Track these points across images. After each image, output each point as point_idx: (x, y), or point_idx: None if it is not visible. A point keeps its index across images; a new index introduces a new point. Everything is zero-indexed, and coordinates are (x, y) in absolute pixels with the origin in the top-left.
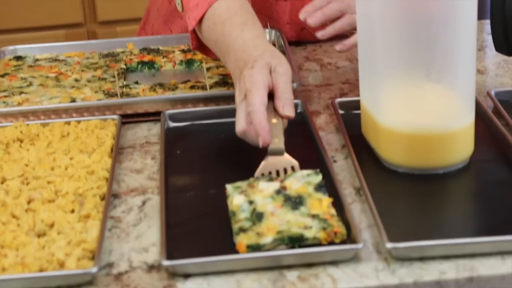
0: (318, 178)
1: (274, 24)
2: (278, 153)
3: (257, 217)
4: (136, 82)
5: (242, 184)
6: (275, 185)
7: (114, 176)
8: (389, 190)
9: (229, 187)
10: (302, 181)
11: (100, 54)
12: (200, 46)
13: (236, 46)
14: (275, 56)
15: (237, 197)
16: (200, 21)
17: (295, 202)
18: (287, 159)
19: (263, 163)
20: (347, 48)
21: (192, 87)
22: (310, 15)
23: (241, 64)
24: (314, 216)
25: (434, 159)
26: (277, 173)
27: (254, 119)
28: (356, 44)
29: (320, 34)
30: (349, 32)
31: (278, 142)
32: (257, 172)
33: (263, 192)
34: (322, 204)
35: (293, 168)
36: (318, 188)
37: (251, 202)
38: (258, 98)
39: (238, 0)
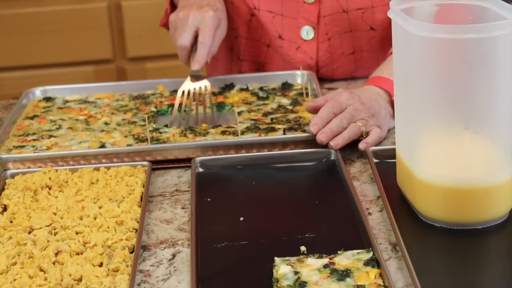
0: (368, 255)
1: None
2: (198, 76)
3: (300, 285)
4: (166, 126)
5: (291, 258)
6: (324, 260)
7: (144, 227)
8: (426, 246)
9: (277, 260)
10: (352, 258)
11: (130, 96)
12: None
13: None
14: (225, 18)
15: (283, 267)
16: None
17: (341, 274)
18: (203, 80)
19: (184, 83)
20: (370, 146)
21: (223, 133)
22: (320, 132)
23: (204, 2)
24: (359, 287)
25: (472, 214)
26: (194, 90)
27: (200, 50)
28: (377, 142)
29: (333, 145)
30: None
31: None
32: (179, 89)
33: (310, 266)
34: (370, 275)
35: (205, 87)
36: (368, 262)
37: (296, 273)
38: (210, 36)
39: None
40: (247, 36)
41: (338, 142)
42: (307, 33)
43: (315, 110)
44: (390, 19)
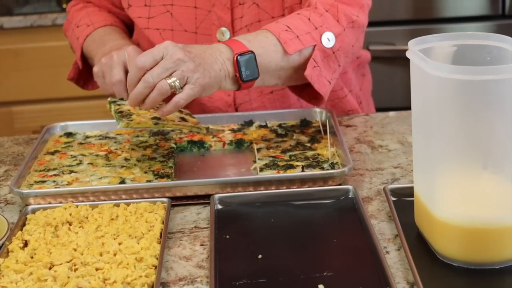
0: None
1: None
2: None
3: None
4: (122, 99)
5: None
6: None
7: (163, 264)
8: (444, 285)
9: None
10: None
11: (150, 132)
12: (82, 80)
13: (118, 42)
14: None
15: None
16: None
17: None
18: None
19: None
20: (163, 115)
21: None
22: (129, 97)
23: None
24: None
25: (490, 254)
26: None
27: (132, 79)
28: (175, 107)
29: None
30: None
31: None
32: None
33: None
34: None
35: None
36: None
37: None
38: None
39: (104, 29)
40: None
41: (144, 107)
42: None
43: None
44: None
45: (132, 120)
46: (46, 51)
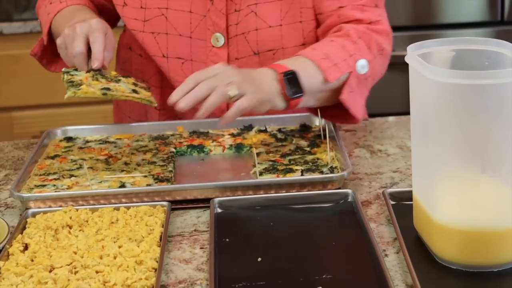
0: None
1: None
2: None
3: None
4: (76, 69)
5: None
6: None
7: (163, 267)
8: None
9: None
10: None
11: (150, 137)
12: (41, 54)
13: (86, 17)
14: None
15: None
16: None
17: None
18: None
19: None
20: (226, 122)
21: (134, 84)
22: (181, 100)
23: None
24: None
25: (488, 257)
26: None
27: (95, 48)
28: (237, 112)
29: (197, 116)
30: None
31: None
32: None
33: None
34: None
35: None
36: None
37: None
38: (102, 36)
39: (76, 6)
40: (160, 85)
41: (200, 114)
42: None
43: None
44: None
45: (79, 90)
46: None
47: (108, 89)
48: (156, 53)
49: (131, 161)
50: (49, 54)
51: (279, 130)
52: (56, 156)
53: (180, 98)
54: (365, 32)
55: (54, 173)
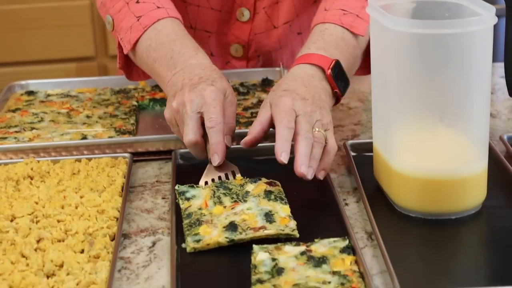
0: (344, 243)
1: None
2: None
3: (278, 271)
4: (192, 186)
5: (269, 245)
6: (301, 248)
7: (124, 216)
8: (401, 235)
9: (255, 247)
10: (328, 246)
11: (112, 91)
12: (127, 67)
13: (191, 63)
14: (229, 85)
15: (261, 254)
16: (135, 44)
17: (318, 260)
18: (228, 165)
19: (206, 171)
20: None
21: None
22: (300, 164)
23: (195, 79)
24: (335, 273)
25: (446, 205)
26: (219, 178)
27: (213, 138)
28: (334, 153)
29: (320, 177)
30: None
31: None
32: (202, 180)
33: (288, 253)
34: (345, 262)
35: (233, 173)
36: (343, 250)
37: (274, 260)
38: (219, 117)
39: (177, 23)
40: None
41: (322, 174)
42: (236, 50)
43: (255, 143)
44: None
45: (200, 242)
46: (9, 15)
47: (235, 231)
48: (185, 24)
49: (93, 114)
50: (127, 62)
51: (241, 84)
52: (17, 109)
53: (288, 156)
54: None
55: (15, 126)
